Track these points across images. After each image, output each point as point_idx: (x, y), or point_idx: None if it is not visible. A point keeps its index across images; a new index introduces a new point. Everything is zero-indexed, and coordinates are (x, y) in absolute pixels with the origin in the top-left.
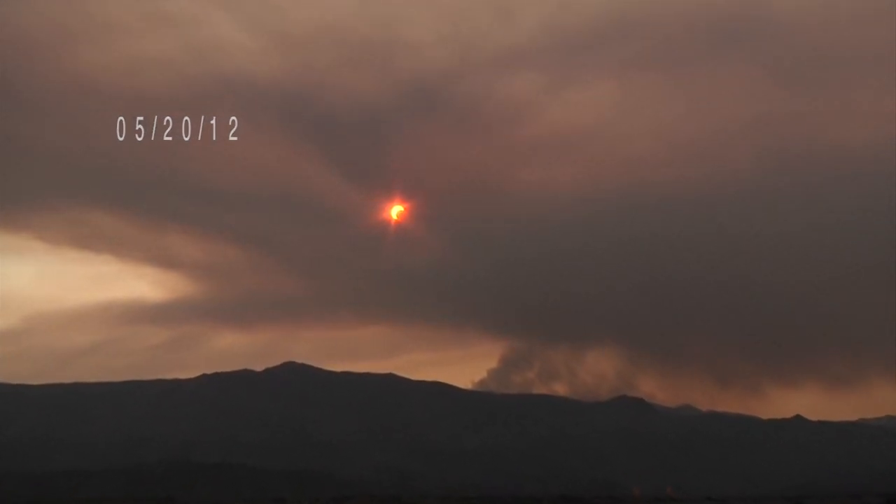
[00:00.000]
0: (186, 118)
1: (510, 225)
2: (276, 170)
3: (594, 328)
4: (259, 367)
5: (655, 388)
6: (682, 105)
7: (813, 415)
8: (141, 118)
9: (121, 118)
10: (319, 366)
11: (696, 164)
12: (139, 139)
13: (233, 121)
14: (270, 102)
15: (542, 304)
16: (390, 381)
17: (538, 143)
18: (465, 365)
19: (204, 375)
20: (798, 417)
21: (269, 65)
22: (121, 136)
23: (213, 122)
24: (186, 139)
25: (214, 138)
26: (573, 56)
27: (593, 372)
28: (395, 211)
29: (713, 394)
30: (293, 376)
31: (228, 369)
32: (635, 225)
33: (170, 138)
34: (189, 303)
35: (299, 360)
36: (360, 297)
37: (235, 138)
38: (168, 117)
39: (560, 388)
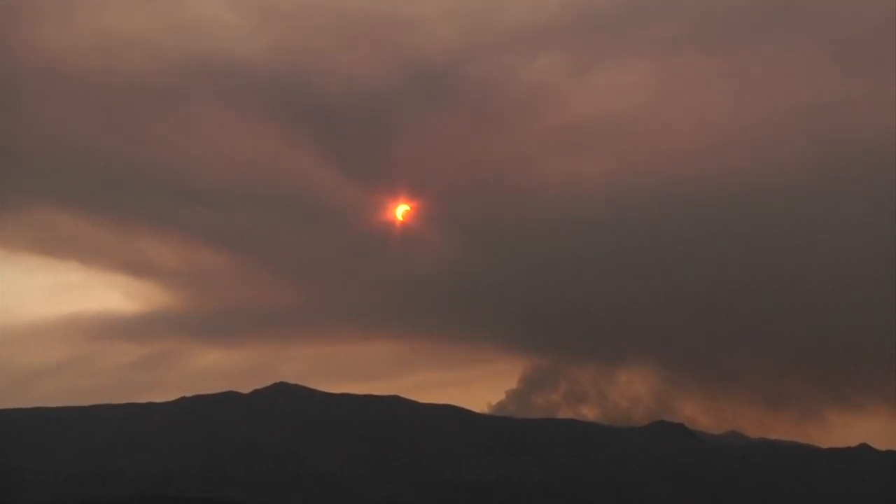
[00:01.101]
0: (164, 106)
1: (531, 227)
2: (266, 164)
3: (628, 344)
4: (246, 389)
5: (698, 413)
6: (727, 90)
7: (880, 443)
8: (112, 105)
9: (88, 105)
10: (315, 387)
11: (743, 157)
12: (110, 129)
13: (216, 109)
14: (259, 88)
15: (568, 317)
16: (396, 404)
17: (562, 133)
18: (480, 386)
19: (183, 399)
20: (864, 446)
21: (258, 46)
22: (89, 125)
23: (193, 110)
24: (164, 129)
25: (195, 129)
26: (602, 34)
27: (627, 394)
28: (400, 211)
29: (765, 419)
30: (285, 399)
31: (211, 391)
32: (675, 227)
33: (145, 128)
34: (166, 316)
35: (292, 381)
36: (360, 308)
37: (219, 129)
38: (143, 105)
39: (589, 412)
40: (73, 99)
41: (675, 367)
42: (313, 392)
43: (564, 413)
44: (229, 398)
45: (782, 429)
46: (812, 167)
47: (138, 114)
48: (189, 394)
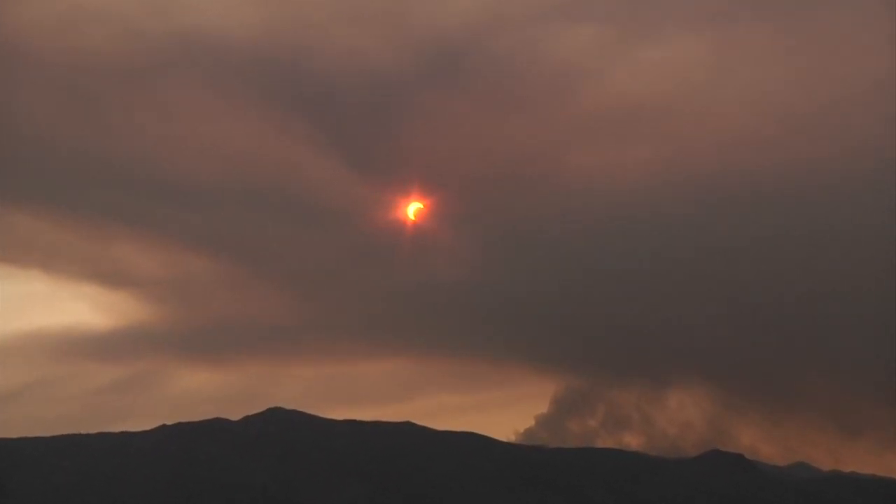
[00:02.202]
0: (139, 90)
1: (563, 227)
2: (258, 157)
3: (677, 362)
4: (235, 416)
5: (759, 441)
6: (795, 67)
7: None
8: (79, 89)
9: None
10: (315, 413)
11: (814, 145)
12: (76, 117)
13: (200, 94)
14: (249, 69)
15: (607, 331)
16: (408, 432)
17: (600, 119)
18: (506, 410)
19: (163, 427)
20: None
21: (247, 21)
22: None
23: (174, 95)
24: (140, 117)
25: (176, 116)
26: (647, 2)
27: (676, 419)
28: (412, 209)
29: (837, 448)
30: (280, 427)
31: (195, 418)
32: (731, 227)
33: (117, 116)
34: (143, 331)
35: (288, 406)
36: (367, 321)
37: (204, 116)
38: (115, 88)
39: (632, 441)
40: (34, 82)
41: (732, 388)
42: (313, 419)
43: (604, 442)
44: (216, 426)
45: (858, 459)
46: (892, 154)
47: (109, 99)
48: (170, 422)
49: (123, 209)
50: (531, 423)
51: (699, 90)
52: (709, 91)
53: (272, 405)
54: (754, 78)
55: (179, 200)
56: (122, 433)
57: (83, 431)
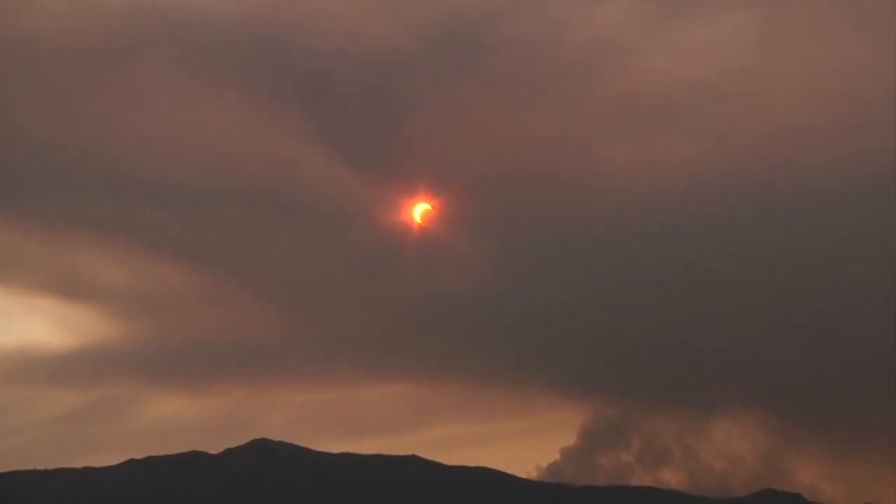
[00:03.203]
0: (106, 75)
1: (591, 231)
2: (241, 152)
3: (724, 386)
4: (215, 448)
5: (820, 478)
6: (856, 49)
7: None
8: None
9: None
10: (307, 445)
11: (877, 137)
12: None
13: (176, 79)
14: (233, 52)
15: (643, 351)
16: (413, 466)
17: (632, 108)
18: (526, 443)
19: (132, 462)
20: None
21: None
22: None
23: (146, 81)
24: (106, 106)
25: (148, 105)
26: None
27: (723, 453)
28: (419, 211)
29: None
30: (267, 461)
31: (169, 452)
32: (786, 230)
33: (80, 104)
34: (109, 352)
35: (276, 437)
36: (367, 340)
37: (180, 105)
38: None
39: (672, 478)
40: None
41: (788, 416)
42: (304, 452)
43: (640, 479)
44: (193, 460)
45: None
46: None
47: (71, 86)
48: (140, 455)
49: (86, 211)
50: (556, 457)
51: (747, 75)
52: (758, 76)
53: (257, 436)
54: (810, 61)
55: (152, 201)
56: (85, 469)
57: (39, 467)
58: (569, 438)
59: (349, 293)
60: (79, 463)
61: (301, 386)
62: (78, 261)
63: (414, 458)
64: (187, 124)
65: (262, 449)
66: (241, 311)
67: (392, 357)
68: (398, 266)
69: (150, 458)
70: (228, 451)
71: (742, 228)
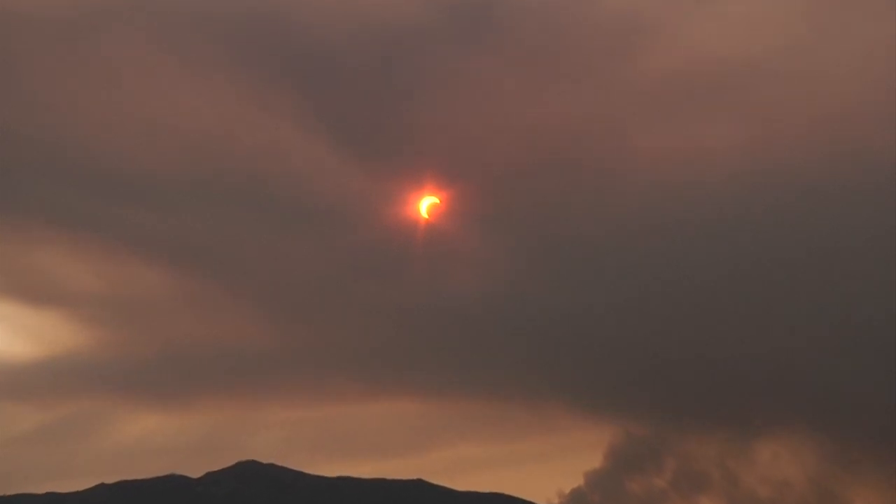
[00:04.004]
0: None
1: (621, 228)
2: (225, 139)
3: (771, 402)
4: (196, 472)
5: None
6: None
7: None
8: None
9: None
10: (299, 468)
11: None
12: None
13: (149, 56)
14: (215, 25)
15: (678, 363)
16: (419, 492)
17: (669, 89)
18: (546, 466)
19: (102, 486)
20: None
21: None
22: None
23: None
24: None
25: (117, 85)
26: None
27: (770, 477)
28: (426, 206)
29: None
30: (254, 486)
31: (145, 475)
32: (842, 225)
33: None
34: (77, 363)
35: (264, 459)
36: (367, 351)
37: (154, 85)
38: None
39: None
40: None
41: (844, 437)
42: (296, 475)
43: None
44: (172, 485)
45: None
46: None
47: (30, 63)
48: (112, 479)
49: (51, 205)
50: (579, 481)
51: (797, 52)
52: (809, 53)
53: (244, 458)
54: (866, 36)
55: (125, 194)
56: (49, 495)
57: (2, 493)
58: (594, 461)
59: (347, 298)
60: (42, 488)
61: (293, 401)
62: (41, 261)
63: (420, 482)
64: (165, 108)
65: (249, 472)
66: (225, 317)
67: (395, 370)
68: (402, 268)
69: (122, 482)
70: (211, 475)
71: (793, 225)
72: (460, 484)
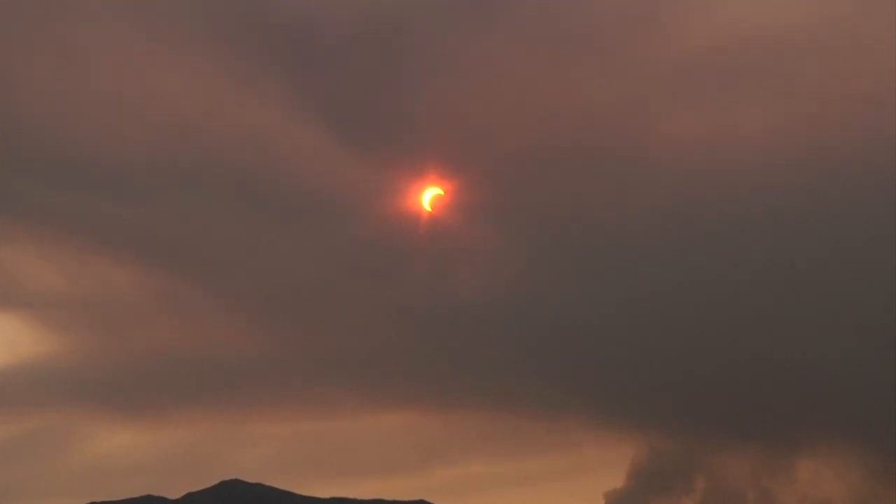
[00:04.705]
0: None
1: (646, 222)
2: (208, 125)
3: (811, 415)
4: (174, 492)
5: None
6: None
7: None
8: None
9: None
10: (288, 488)
11: None
12: None
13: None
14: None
15: (708, 371)
16: None
17: (699, 69)
18: (564, 485)
19: None
20: None
21: None
22: None
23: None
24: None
25: (84, 62)
26: None
27: (809, 498)
28: (429, 197)
29: None
30: None
31: (118, 496)
32: (892, 217)
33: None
34: (43, 373)
35: (250, 479)
36: (365, 357)
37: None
38: None
39: None
40: None
41: (889, 453)
42: (286, 496)
43: None
44: None
45: None
46: None
47: None
48: (82, 501)
49: (11, 198)
50: (599, 502)
51: (841, 27)
52: (855, 27)
53: (228, 477)
54: None
55: (95, 185)
56: None
57: None
58: (616, 480)
59: (342, 299)
60: None
61: (282, 414)
62: (2, 260)
63: None
64: (138, 90)
65: (234, 493)
66: (207, 321)
67: (395, 378)
68: (403, 266)
69: None
70: (191, 497)
71: (837, 218)
72: None
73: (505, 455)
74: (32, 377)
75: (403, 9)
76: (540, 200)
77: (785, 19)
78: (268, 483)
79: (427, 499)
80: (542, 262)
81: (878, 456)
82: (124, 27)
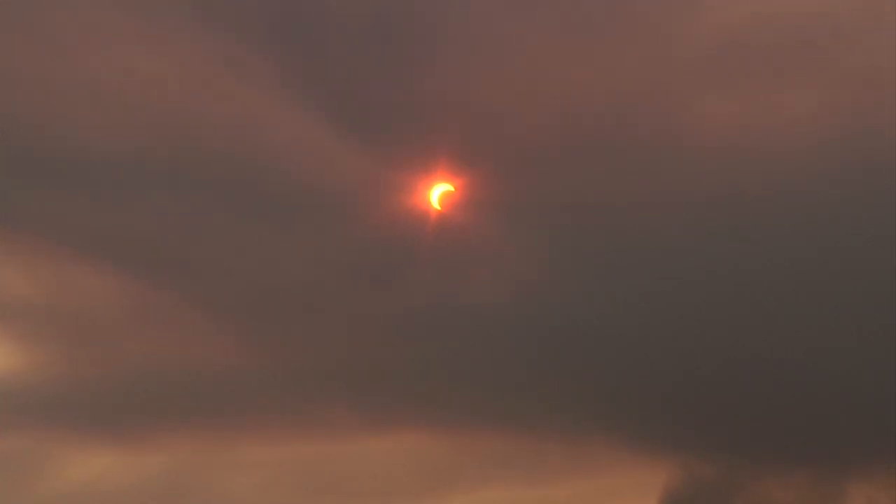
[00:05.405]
0: None
1: (681, 217)
2: (192, 113)
3: (864, 436)
4: None
5: None
6: None
7: None
8: None
9: None
10: None
11: None
12: None
13: (96, 8)
14: None
15: (750, 386)
16: None
17: (743, 43)
18: None
19: None
20: None
21: None
22: None
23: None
24: None
25: (50, 42)
26: None
27: None
28: (437, 194)
29: None
30: None
31: None
32: None
33: None
34: (7, 391)
35: None
36: (366, 371)
37: (100, 43)
38: None
39: None
40: None
41: None
42: None
43: None
44: None
45: None
46: None
47: None
48: None
49: None
50: None
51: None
52: None
53: None
54: None
55: (64, 180)
56: None
57: None
58: None
59: (341, 307)
60: None
61: (273, 436)
62: None
63: None
64: (116, 75)
65: None
66: (191, 333)
67: (401, 395)
68: (409, 270)
69: None
70: None
71: (891, 206)
72: None
73: (523, 481)
74: None
75: None
76: (561, 196)
77: None
78: None
79: None
80: (563, 263)
81: None
82: (101, 6)
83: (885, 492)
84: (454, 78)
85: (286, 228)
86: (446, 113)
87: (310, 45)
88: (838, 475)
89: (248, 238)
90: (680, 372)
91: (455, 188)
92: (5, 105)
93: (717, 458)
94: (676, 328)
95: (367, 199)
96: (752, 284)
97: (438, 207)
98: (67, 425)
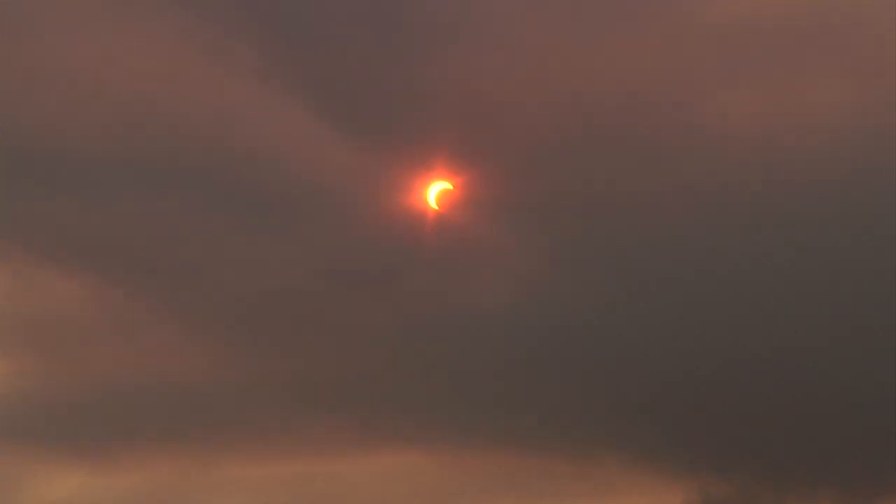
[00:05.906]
0: None
1: (696, 216)
2: (171, 105)
3: (892, 455)
4: None
5: None
6: None
7: None
8: None
9: None
10: None
11: None
12: None
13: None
14: None
15: (773, 399)
16: None
17: (760, 30)
18: None
19: None
20: None
21: None
22: None
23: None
24: None
25: (27, 33)
26: None
27: None
28: (435, 193)
29: None
30: None
31: None
32: None
33: None
34: None
35: None
36: (360, 384)
37: (79, 34)
38: None
39: None
40: None
41: None
42: None
43: None
44: None
45: None
46: None
47: None
48: None
49: None
50: None
51: None
52: None
53: None
54: None
55: (34, 179)
56: None
57: None
58: None
59: (334, 314)
60: None
61: (258, 454)
62: None
63: None
64: (89, 63)
65: None
66: (170, 343)
67: (398, 410)
68: (406, 273)
69: None
70: None
71: None
72: None
73: (530, 501)
74: None
75: None
76: (567, 195)
77: None
78: None
79: None
80: (566, 265)
81: None
82: None
83: None
84: (452, 71)
85: (275, 229)
86: (444, 107)
87: (302, 38)
88: (866, 496)
89: (235, 241)
90: (696, 383)
91: (454, 187)
92: None
93: (737, 478)
94: (691, 335)
95: (362, 198)
96: (775, 286)
97: (436, 207)
98: (35, 442)
